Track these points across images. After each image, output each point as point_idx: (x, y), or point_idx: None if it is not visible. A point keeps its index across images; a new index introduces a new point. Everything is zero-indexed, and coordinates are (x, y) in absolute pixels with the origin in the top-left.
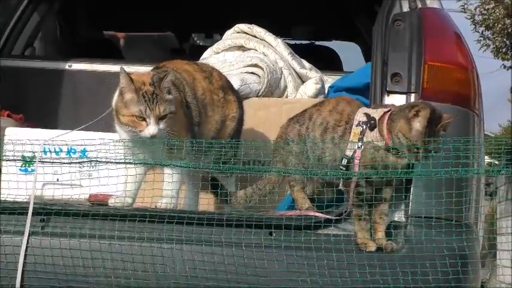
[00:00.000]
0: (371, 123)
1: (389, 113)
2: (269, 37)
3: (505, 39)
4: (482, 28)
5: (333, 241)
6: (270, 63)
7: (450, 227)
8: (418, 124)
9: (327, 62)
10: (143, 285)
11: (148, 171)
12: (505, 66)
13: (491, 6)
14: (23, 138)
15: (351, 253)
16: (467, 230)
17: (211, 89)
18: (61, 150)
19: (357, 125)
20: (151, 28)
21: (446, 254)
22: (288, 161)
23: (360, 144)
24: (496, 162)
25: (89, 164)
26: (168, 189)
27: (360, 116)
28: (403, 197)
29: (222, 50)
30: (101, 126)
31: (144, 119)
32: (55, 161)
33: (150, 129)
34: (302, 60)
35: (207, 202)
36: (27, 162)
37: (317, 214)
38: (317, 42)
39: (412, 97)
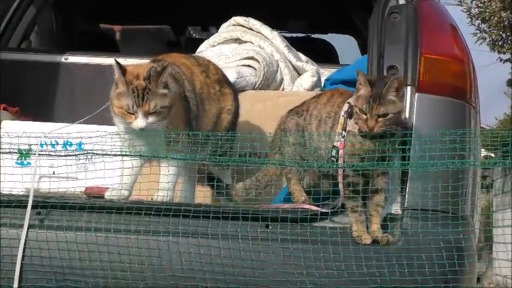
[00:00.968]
0: (349, 112)
1: None
2: (265, 30)
3: (501, 32)
4: (479, 21)
5: (329, 234)
6: (266, 56)
7: (446, 219)
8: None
9: (323, 54)
10: (139, 278)
11: (145, 164)
12: (501, 59)
13: None
14: (19, 131)
15: (347, 246)
16: (464, 222)
17: (208, 83)
18: (57, 143)
19: (342, 115)
20: (147, 21)
21: (443, 246)
22: (285, 152)
23: (343, 133)
24: (492, 155)
25: (85, 157)
26: (164, 182)
27: (346, 106)
28: (399, 188)
29: (218, 43)
30: (97, 119)
31: (133, 113)
32: (52, 154)
33: (138, 122)
34: (298, 53)
35: (203, 195)
36: (24, 155)
37: (312, 207)
38: (313, 35)
39: (409, 90)
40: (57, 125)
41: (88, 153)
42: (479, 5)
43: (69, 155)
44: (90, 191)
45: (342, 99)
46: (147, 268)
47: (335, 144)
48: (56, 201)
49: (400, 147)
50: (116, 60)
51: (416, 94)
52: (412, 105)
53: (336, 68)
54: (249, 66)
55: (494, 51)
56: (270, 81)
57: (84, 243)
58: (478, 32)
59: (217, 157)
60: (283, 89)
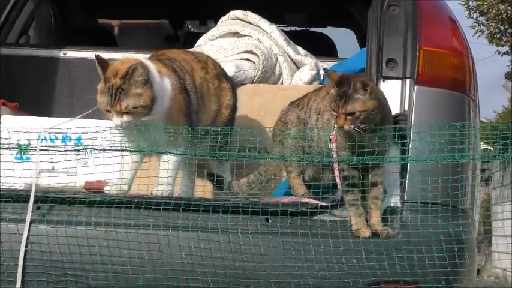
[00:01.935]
0: None
1: None
2: (264, 23)
3: (499, 25)
4: (477, 14)
5: (329, 227)
6: (265, 49)
7: (446, 212)
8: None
9: (322, 48)
10: (140, 272)
11: (145, 158)
12: (499, 52)
13: None
14: (18, 126)
15: (346, 239)
16: (464, 215)
17: (207, 79)
18: (56, 138)
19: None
20: (146, 16)
21: (443, 239)
22: (286, 145)
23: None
24: (491, 148)
25: (84, 152)
26: (164, 176)
27: None
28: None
29: (217, 37)
30: (97, 113)
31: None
32: (52, 149)
33: (114, 120)
34: (297, 46)
35: (203, 189)
36: (23, 150)
37: (311, 200)
38: (312, 29)
39: (408, 82)
40: (56, 119)
41: (88, 148)
42: None
43: (69, 150)
44: (90, 185)
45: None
46: (147, 262)
47: (330, 137)
48: (55, 195)
49: (392, 141)
50: (96, 55)
51: (416, 87)
52: (411, 98)
53: (335, 61)
54: (247, 60)
55: (492, 44)
56: (268, 75)
57: (84, 237)
58: (476, 24)
59: (216, 151)
60: (282, 83)
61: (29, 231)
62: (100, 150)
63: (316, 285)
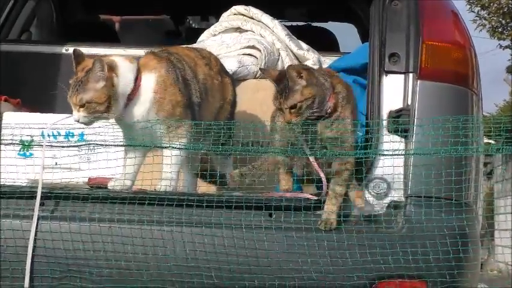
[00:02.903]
0: None
1: None
2: (266, 19)
3: (500, 19)
4: (478, 8)
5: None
6: (267, 44)
7: (450, 206)
8: None
9: (324, 43)
10: (144, 268)
11: (148, 153)
12: (501, 46)
13: None
14: (21, 122)
15: (351, 233)
16: (467, 209)
17: (211, 75)
18: (59, 134)
19: None
20: (147, 11)
21: (447, 233)
22: (274, 140)
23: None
24: (493, 142)
25: (87, 147)
26: (167, 171)
27: None
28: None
29: (219, 32)
30: None
31: None
32: (56, 144)
33: (74, 115)
34: (299, 41)
35: (205, 184)
36: (26, 146)
37: (305, 195)
38: (313, 24)
39: (410, 77)
40: (59, 116)
41: (91, 143)
42: None
43: (73, 146)
44: (93, 181)
45: None
46: (151, 258)
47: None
48: (59, 192)
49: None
50: (75, 49)
51: (419, 81)
52: (414, 92)
53: (337, 56)
54: (250, 55)
55: (494, 38)
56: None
57: (88, 233)
58: (477, 18)
59: (219, 146)
60: None
61: (36, 228)
62: (102, 145)
63: (319, 280)
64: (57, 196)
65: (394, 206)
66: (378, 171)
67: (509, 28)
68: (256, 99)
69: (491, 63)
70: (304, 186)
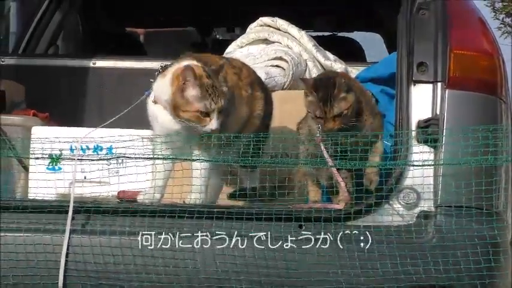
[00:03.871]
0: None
1: None
2: (293, 29)
3: None
4: (503, 15)
5: (362, 232)
6: (295, 55)
7: (480, 215)
8: None
9: (351, 53)
10: (174, 281)
11: (175, 166)
12: None
13: None
14: (50, 136)
15: (381, 244)
16: (498, 218)
17: (239, 85)
18: (88, 148)
19: None
20: (172, 23)
21: (477, 242)
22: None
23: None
24: None
25: (116, 161)
26: (197, 184)
27: None
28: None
29: (246, 44)
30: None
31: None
32: (85, 158)
33: (213, 124)
34: (326, 52)
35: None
36: (55, 160)
37: (335, 206)
38: (339, 34)
39: (439, 86)
40: (87, 129)
41: (119, 157)
42: None
43: (101, 159)
44: (123, 195)
45: None
46: (181, 271)
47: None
48: (89, 205)
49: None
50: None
51: (447, 90)
52: (442, 101)
53: (363, 66)
54: (277, 66)
55: None
56: (298, 81)
57: (119, 247)
58: (502, 26)
59: (244, 159)
60: None
61: (68, 242)
62: (130, 158)
63: None
64: (87, 210)
65: (424, 216)
66: (407, 182)
67: None
68: (284, 111)
69: None
70: (333, 197)
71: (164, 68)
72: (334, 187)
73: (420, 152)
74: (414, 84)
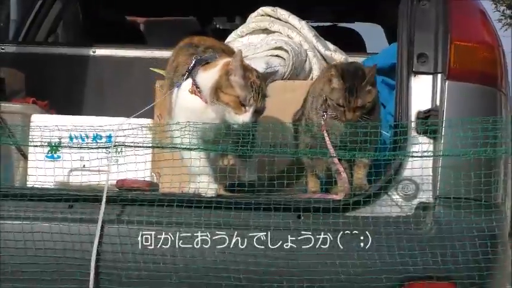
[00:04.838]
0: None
1: None
2: (293, 20)
3: None
4: (503, 7)
5: (361, 223)
6: (295, 45)
7: (479, 207)
8: None
9: (351, 43)
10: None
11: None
12: None
13: None
14: (49, 124)
15: (379, 235)
16: (496, 209)
17: None
18: (87, 136)
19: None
20: (172, 12)
21: (476, 234)
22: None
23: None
24: None
25: (115, 150)
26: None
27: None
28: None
29: (246, 34)
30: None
31: None
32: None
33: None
34: (327, 42)
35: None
36: (54, 148)
37: (333, 196)
38: (340, 24)
39: (439, 77)
40: (87, 118)
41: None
42: None
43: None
44: (121, 183)
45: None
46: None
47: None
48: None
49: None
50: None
51: (447, 82)
52: (442, 93)
53: (364, 56)
54: (277, 56)
55: None
56: (299, 71)
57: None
58: (502, 18)
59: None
60: (312, 79)
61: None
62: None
63: (348, 281)
64: (85, 199)
65: (423, 207)
66: (406, 173)
67: None
68: (284, 100)
69: None
70: (331, 189)
71: (206, 62)
72: (332, 178)
73: (419, 143)
74: (414, 75)
